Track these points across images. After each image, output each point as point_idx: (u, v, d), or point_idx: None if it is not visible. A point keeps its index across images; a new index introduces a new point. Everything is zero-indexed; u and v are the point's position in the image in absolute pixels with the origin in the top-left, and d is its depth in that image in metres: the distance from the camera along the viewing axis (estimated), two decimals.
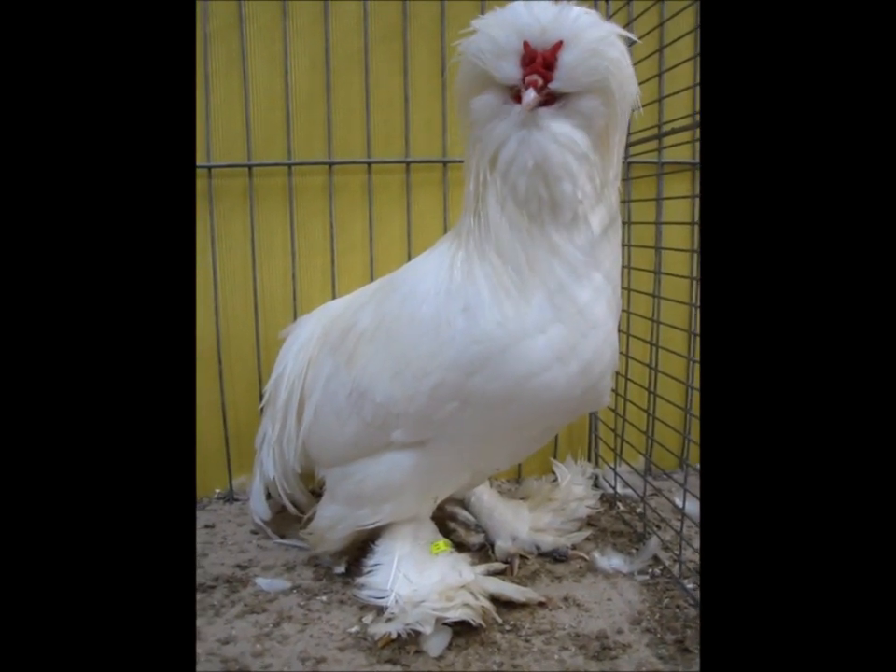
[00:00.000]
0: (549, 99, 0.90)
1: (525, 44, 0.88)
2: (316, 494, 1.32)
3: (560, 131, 0.91)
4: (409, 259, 1.51)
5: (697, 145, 1.45)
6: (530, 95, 0.88)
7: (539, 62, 0.88)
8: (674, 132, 1.24)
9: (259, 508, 1.37)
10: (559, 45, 0.88)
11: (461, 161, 1.50)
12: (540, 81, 0.88)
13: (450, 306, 0.98)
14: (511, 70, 0.90)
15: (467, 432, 1.03)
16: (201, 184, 1.46)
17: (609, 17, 1.48)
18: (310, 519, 1.26)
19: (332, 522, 1.18)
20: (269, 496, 1.37)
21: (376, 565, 1.13)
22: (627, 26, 1.44)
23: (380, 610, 1.07)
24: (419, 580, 1.08)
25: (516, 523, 1.30)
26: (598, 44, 0.89)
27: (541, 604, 1.12)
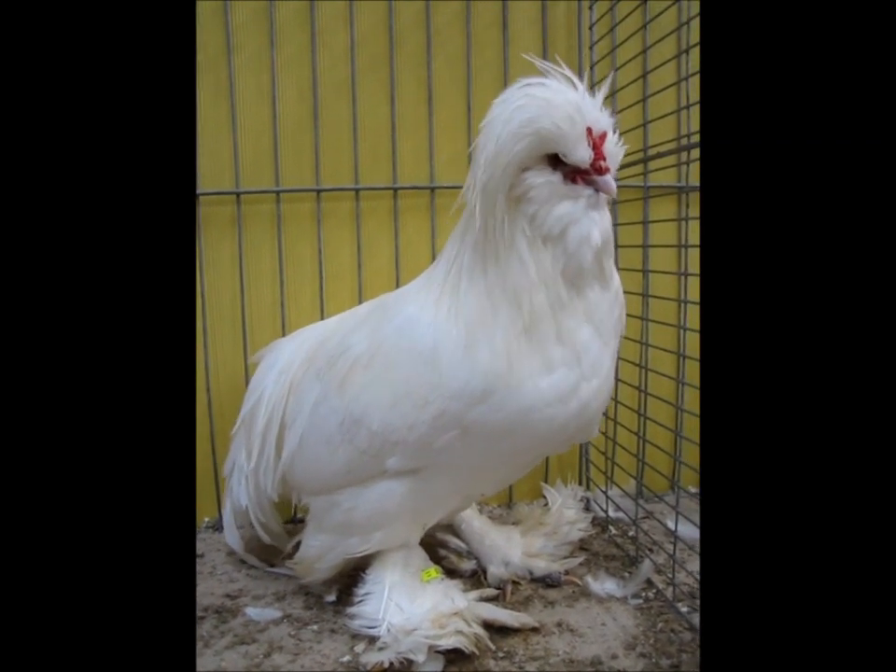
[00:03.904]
0: None
1: (590, 130, 0.94)
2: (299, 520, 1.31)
3: (606, 210, 1.00)
4: (397, 284, 1.52)
5: (683, 168, 1.46)
6: (612, 181, 0.94)
7: (602, 148, 0.94)
8: (659, 156, 1.25)
9: (232, 540, 1.35)
10: (605, 135, 0.95)
11: (448, 187, 1.52)
12: (611, 168, 0.95)
13: (456, 341, 0.98)
14: (586, 152, 0.94)
15: (462, 459, 1.03)
16: None
17: (592, 44, 1.51)
18: (295, 549, 1.24)
19: (321, 551, 1.17)
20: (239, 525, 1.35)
21: (367, 594, 1.11)
22: (612, 52, 1.46)
23: (372, 639, 1.06)
24: (411, 608, 1.07)
25: (508, 548, 1.29)
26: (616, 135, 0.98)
27: (535, 629, 1.11)
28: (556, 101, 0.94)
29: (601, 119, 0.95)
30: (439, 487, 1.09)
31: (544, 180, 0.96)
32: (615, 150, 0.96)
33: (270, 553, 1.37)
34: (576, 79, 0.96)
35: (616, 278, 1.05)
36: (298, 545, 1.23)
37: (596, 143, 0.94)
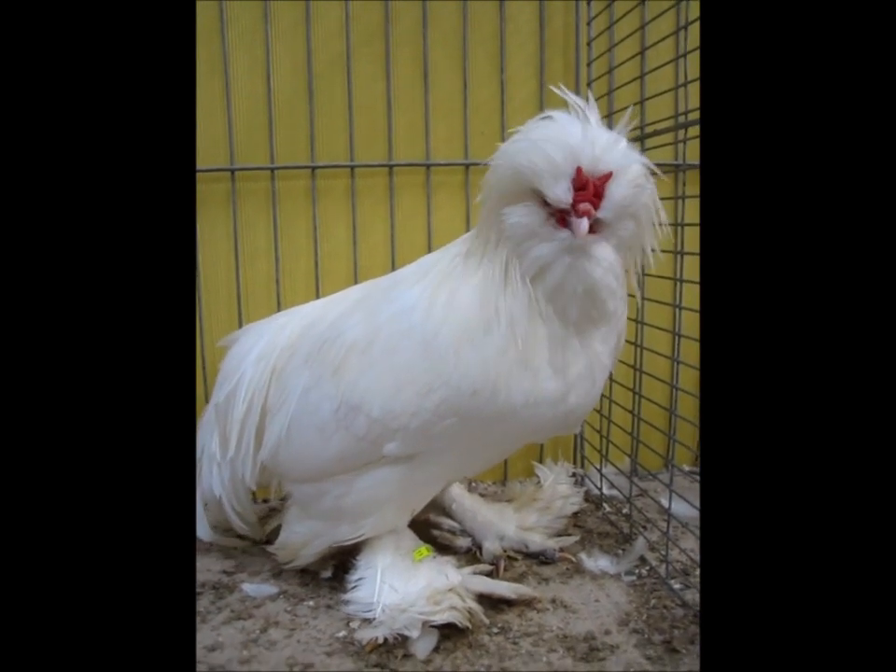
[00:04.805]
0: (592, 226, 0.90)
1: (579, 169, 0.88)
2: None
3: (604, 255, 0.94)
4: (393, 261, 1.52)
5: (680, 146, 1.46)
6: (584, 225, 0.88)
7: (591, 190, 0.89)
8: (657, 133, 1.25)
9: (200, 529, 1.30)
10: (609, 175, 0.89)
11: (444, 164, 1.52)
12: (593, 211, 0.89)
13: (447, 341, 0.97)
14: (562, 192, 0.89)
15: (456, 444, 1.03)
16: None
17: (590, 20, 1.49)
18: (273, 533, 1.24)
19: (307, 538, 1.17)
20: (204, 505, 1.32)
21: (360, 579, 1.11)
22: (609, 28, 1.45)
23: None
24: (406, 588, 1.07)
25: (502, 523, 1.30)
26: (640, 179, 0.93)
27: (529, 604, 1.12)
28: (544, 137, 0.91)
29: (604, 159, 0.89)
30: (431, 472, 1.09)
31: (518, 219, 0.94)
32: (621, 192, 0.90)
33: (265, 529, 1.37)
34: (594, 116, 0.92)
35: (619, 312, 1.02)
36: (277, 529, 1.23)
37: (590, 184, 0.88)
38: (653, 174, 0.96)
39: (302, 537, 1.17)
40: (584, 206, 0.89)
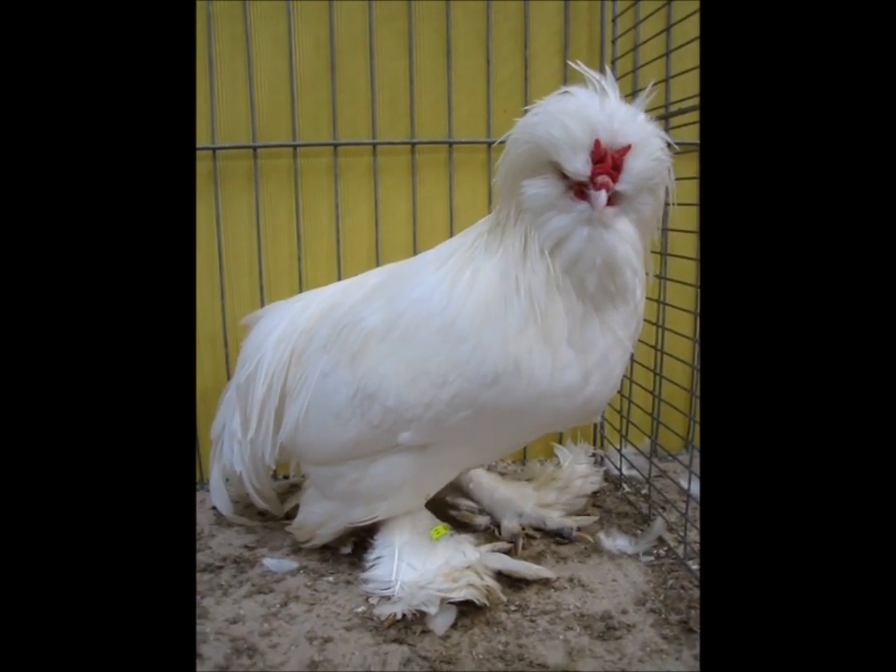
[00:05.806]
0: (610, 199, 0.90)
1: (597, 142, 0.89)
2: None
3: (623, 228, 0.94)
4: (414, 240, 1.51)
5: None
6: (602, 197, 0.88)
7: (609, 162, 0.89)
8: (681, 112, 1.23)
9: (221, 503, 1.33)
10: (628, 148, 0.89)
11: (467, 142, 1.51)
12: (611, 184, 0.89)
13: (480, 314, 0.96)
14: (581, 165, 0.89)
15: (470, 436, 1.04)
16: (205, 166, 1.46)
17: None
18: (293, 511, 1.26)
19: (324, 518, 1.18)
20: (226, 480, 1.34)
21: (378, 558, 1.13)
22: (634, 5, 1.43)
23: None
24: (424, 566, 1.08)
25: (521, 500, 1.31)
26: (659, 152, 0.93)
27: (547, 582, 1.13)
28: (562, 110, 0.91)
29: (622, 132, 0.89)
30: (444, 461, 1.10)
31: (536, 191, 0.94)
32: (639, 165, 0.90)
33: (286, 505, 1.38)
34: (613, 90, 0.91)
35: (638, 293, 1.01)
36: (296, 508, 1.25)
37: (608, 156, 0.88)
38: (672, 149, 0.96)
39: (319, 517, 1.19)
40: (602, 178, 0.89)
